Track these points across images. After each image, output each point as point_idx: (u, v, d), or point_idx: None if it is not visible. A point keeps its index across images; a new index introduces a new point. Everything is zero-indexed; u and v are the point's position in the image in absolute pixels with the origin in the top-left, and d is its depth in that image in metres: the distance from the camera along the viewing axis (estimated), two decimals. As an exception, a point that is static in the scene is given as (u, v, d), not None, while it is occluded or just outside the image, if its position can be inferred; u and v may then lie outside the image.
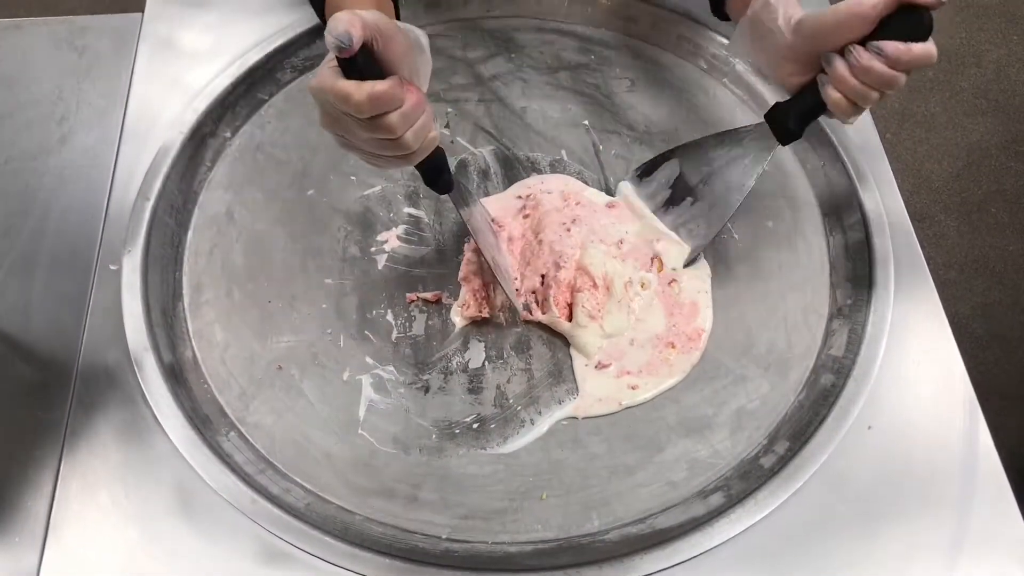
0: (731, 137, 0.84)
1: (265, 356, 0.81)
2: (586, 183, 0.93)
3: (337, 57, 0.58)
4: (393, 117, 0.61)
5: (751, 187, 0.82)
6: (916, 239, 0.87)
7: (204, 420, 0.76)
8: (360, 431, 0.77)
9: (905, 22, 0.66)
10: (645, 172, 0.91)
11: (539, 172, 0.95)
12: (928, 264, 0.85)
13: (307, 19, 1.00)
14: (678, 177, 0.88)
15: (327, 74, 0.60)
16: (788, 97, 0.77)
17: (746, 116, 0.99)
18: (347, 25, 0.55)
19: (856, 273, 0.85)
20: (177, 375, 0.78)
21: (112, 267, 0.83)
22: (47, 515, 0.70)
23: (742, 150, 0.83)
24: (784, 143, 0.79)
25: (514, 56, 1.04)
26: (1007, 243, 2.03)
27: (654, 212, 0.90)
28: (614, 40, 1.05)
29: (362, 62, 0.58)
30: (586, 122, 0.98)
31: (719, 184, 0.85)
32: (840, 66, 0.69)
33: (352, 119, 0.61)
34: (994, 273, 1.99)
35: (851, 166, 0.90)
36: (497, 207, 0.91)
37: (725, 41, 1.01)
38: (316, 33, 1.00)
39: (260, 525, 0.69)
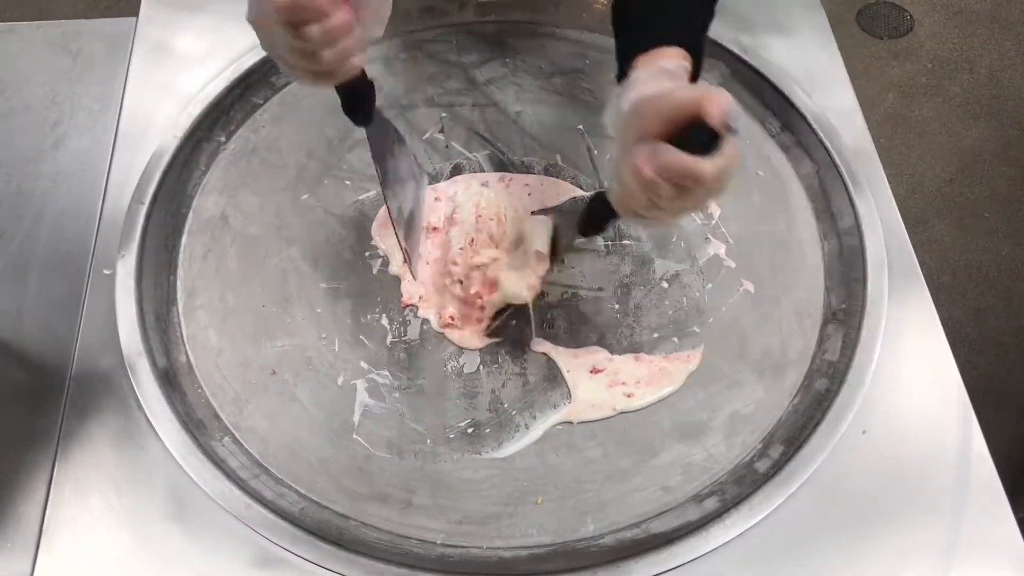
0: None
1: (259, 360, 0.81)
2: (580, 187, 0.93)
3: None
4: (314, 28, 0.60)
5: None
6: (910, 244, 0.87)
7: (198, 425, 0.76)
8: (354, 436, 0.77)
9: (702, 131, 0.57)
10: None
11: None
12: (922, 269, 0.85)
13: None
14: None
15: None
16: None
17: (739, 120, 0.98)
18: None
19: (850, 277, 0.85)
20: (171, 380, 0.78)
21: (106, 271, 0.82)
22: (40, 520, 0.70)
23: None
24: (582, 233, 0.77)
25: (508, 61, 1.04)
26: (1000, 247, 2.04)
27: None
28: (608, 45, 1.04)
29: None
30: (581, 126, 0.98)
31: None
32: (622, 158, 0.62)
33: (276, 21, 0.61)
34: (987, 277, 2.00)
35: (845, 171, 0.91)
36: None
37: (727, 45, 1.01)
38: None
39: (254, 530, 0.69)
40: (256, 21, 0.64)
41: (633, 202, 0.63)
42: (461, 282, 0.83)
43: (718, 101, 0.56)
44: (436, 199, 0.92)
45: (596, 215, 0.74)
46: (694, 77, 0.69)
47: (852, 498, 0.72)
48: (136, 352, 0.78)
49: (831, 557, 0.70)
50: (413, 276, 0.85)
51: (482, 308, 0.83)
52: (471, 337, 0.83)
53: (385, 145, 0.82)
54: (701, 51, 0.71)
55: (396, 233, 0.82)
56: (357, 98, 0.74)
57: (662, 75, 0.66)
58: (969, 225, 2.08)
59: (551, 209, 0.90)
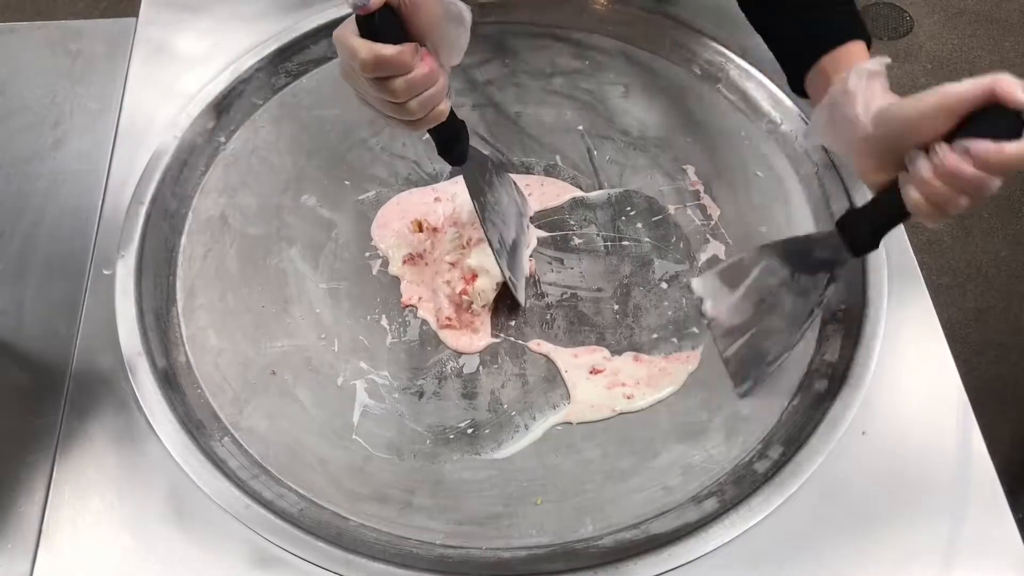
0: (803, 247, 0.76)
1: (259, 361, 0.81)
2: (580, 187, 0.93)
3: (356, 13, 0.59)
4: (398, 83, 0.62)
5: (813, 318, 0.78)
6: (910, 244, 0.87)
7: (197, 425, 0.76)
8: (354, 436, 0.77)
9: (998, 117, 0.57)
10: (728, 281, 0.82)
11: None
12: (921, 269, 0.85)
13: (301, 24, 1.00)
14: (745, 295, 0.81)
15: (349, 26, 0.61)
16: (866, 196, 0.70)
17: (740, 122, 0.99)
18: None
19: (850, 278, 0.85)
20: (170, 380, 0.78)
21: (106, 272, 0.83)
22: (40, 520, 0.70)
23: (809, 268, 0.75)
24: (856, 254, 0.72)
25: (508, 61, 1.04)
26: (999, 249, 2.04)
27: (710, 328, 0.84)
28: (608, 46, 1.05)
29: (380, 22, 0.59)
30: (580, 127, 0.99)
31: (778, 314, 0.79)
32: (923, 165, 0.61)
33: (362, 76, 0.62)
34: (987, 279, 2.00)
35: (844, 172, 0.91)
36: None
37: (718, 47, 1.01)
38: (309, 38, 1.00)
39: (253, 531, 0.69)
40: (346, 78, 0.66)
41: (942, 206, 0.62)
42: (449, 283, 0.83)
43: (1010, 81, 0.57)
44: (436, 199, 0.92)
45: (886, 223, 0.69)
46: None
47: (852, 499, 0.72)
48: (136, 352, 0.78)
49: (831, 558, 0.70)
50: (521, 303, 0.84)
51: (470, 306, 0.82)
52: (468, 342, 0.82)
53: (482, 180, 0.82)
54: (869, 35, 0.72)
55: (499, 263, 0.81)
56: (449, 140, 0.75)
57: (874, 78, 0.67)
58: (968, 226, 2.08)
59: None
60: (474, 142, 0.96)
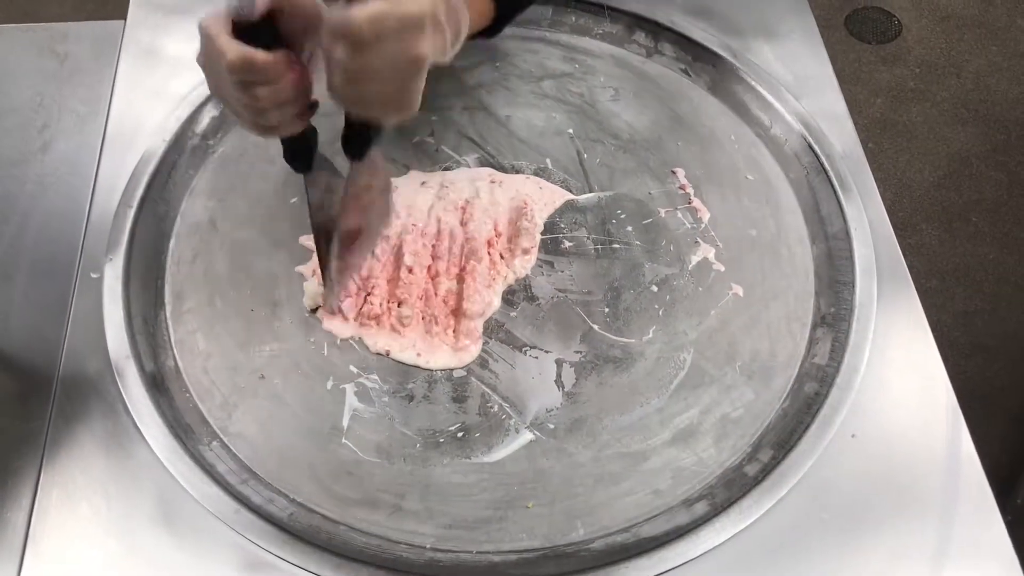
0: None
1: (248, 365, 0.80)
2: (570, 191, 0.93)
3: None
4: (263, 91, 0.59)
5: None
6: (899, 247, 0.87)
7: (186, 429, 0.76)
8: (344, 440, 0.77)
9: None
10: None
11: (524, 180, 0.95)
12: (910, 272, 0.86)
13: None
14: None
15: (221, 21, 0.58)
16: None
17: (729, 125, 0.99)
18: None
19: (839, 281, 0.86)
20: (159, 384, 0.78)
21: (93, 275, 0.82)
22: (26, 526, 0.69)
23: None
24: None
25: (499, 64, 1.04)
26: (987, 252, 2.05)
27: None
28: (598, 49, 1.06)
29: (260, 27, 0.57)
30: (570, 130, 0.99)
31: None
32: None
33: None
34: (974, 282, 2.01)
35: (834, 175, 0.91)
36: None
37: (708, 50, 1.01)
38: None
39: (243, 535, 0.69)
40: (204, 68, 0.62)
41: (329, 76, 0.61)
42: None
43: None
44: (423, 183, 0.92)
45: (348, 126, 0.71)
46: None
47: (842, 501, 0.73)
48: (124, 356, 0.77)
49: (821, 561, 0.70)
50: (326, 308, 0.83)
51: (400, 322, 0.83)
52: (444, 358, 0.82)
53: (321, 187, 0.79)
54: None
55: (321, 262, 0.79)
56: (299, 149, 0.73)
57: None
58: (956, 229, 2.10)
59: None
60: (465, 145, 0.96)
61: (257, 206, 0.91)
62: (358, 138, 0.71)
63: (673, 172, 0.95)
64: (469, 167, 0.95)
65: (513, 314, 0.85)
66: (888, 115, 2.31)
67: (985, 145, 2.25)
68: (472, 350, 0.82)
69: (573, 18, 1.06)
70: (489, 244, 0.86)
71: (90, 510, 0.70)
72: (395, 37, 0.57)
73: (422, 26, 0.58)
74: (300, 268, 0.86)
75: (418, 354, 0.81)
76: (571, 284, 0.87)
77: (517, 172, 0.95)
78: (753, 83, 0.99)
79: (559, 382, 0.81)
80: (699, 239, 0.90)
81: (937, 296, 1.98)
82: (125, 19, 1.02)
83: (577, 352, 0.82)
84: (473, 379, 0.81)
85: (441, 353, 0.81)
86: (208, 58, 0.61)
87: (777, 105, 0.97)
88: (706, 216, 0.92)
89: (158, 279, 0.85)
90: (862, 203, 0.89)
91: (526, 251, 0.87)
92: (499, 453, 0.77)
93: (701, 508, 0.73)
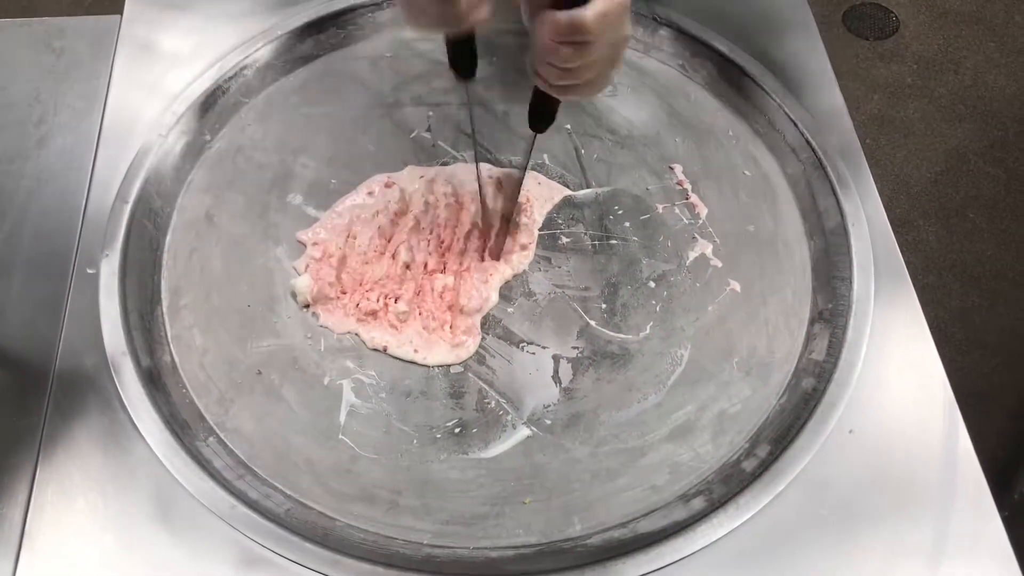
0: None
1: (244, 361, 0.80)
2: (568, 187, 0.93)
3: None
4: None
5: None
6: (896, 243, 0.87)
7: (183, 425, 0.75)
8: (341, 436, 0.77)
9: None
10: None
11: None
12: (907, 269, 0.86)
13: (286, 22, 0.99)
14: None
15: None
16: None
17: (727, 121, 0.99)
18: None
19: (836, 277, 0.86)
20: (155, 380, 0.78)
21: (90, 271, 0.82)
22: (22, 522, 0.69)
23: None
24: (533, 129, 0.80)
25: (496, 60, 1.03)
26: (984, 248, 2.05)
27: None
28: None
29: None
30: (568, 126, 0.98)
31: None
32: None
33: None
34: (972, 278, 2.01)
35: (831, 171, 0.91)
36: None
37: (705, 45, 1.01)
38: (295, 37, 1.00)
39: (239, 531, 0.69)
40: None
41: (546, 75, 0.68)
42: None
43: None
44: (421, 178, 0.92)
45: (540, 107, 0.78)
46: None
47: (839, 497, 0.73)
48: (120, 352, 0.77)
49: (818, 556, 0.70)
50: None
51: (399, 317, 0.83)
52: (441, 354, 0.82)
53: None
54: None
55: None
56: (467, 52, 0.77)
57: None
58: (954, 226, 2.10)
59: None
60: (461, 140, 0.96)
61: (254, 202, 0.91)
62: (548, 115, 0.79)
63: (671, 168, 0.95)
64: (466, 162, 0.95)
65: (510, 310, 0.85)
66: (886, 111, 2.31)
67: (983, 141, 2.25)
68: (469, 346, 0.81)
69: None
70: (484, 239, 0.86)
71: (86, 506, 0.70)
72: (614, 27, 0.63)
73: (629, 8, 0.63)
74: (295, 263, 0.86)
75: (415, 350, 0.81)
76: (568, 280, 0.87)
77: (513, 167, 0.95)
78: (751, 79, 0.99)
79: (556, 378, 0.80)
80: (696, 235, 0.90)
81: (934, 292, 1.98)
82: (121, 14, 1.02)
83: (574, 348, 0.82)
84: (470, 375, 0.81)
85: (438, 349, 0.81)
86: None
87: (775, 101, 0.97)
88: (704, 212, 0.91)
89: (154, 275, 0.85)
90: (860, 199, 0.89)
91: (524, 247, 0.87)
92: (496, 449, 0.77)
93: (698, 504, 0.73)
